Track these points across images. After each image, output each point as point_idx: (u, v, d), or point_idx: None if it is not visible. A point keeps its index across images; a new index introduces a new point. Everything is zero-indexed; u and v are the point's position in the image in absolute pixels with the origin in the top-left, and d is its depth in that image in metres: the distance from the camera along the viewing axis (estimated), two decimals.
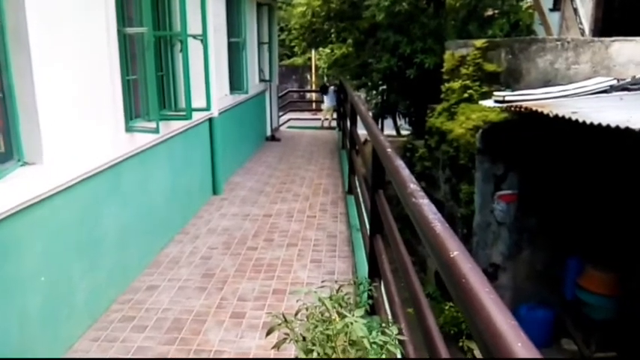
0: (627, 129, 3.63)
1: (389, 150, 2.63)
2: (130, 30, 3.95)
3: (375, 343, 1.43)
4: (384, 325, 1.73)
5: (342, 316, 1.50)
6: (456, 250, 1.22)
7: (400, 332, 1.61)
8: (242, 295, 3.80)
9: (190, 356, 3.04)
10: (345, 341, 1.48)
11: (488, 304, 0.98)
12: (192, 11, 4.70)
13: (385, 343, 1.45)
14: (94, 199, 3.39)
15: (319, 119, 16.29)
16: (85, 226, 3.29)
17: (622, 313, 5.60)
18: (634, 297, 5.50)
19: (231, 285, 3.97)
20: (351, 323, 1.41)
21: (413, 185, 1.89)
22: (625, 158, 5.61)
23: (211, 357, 3.03)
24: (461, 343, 5.92)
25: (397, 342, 1.56)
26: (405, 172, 2.13)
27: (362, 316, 1.51)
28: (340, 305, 1.75)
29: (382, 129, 10.68)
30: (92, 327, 3.33)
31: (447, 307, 6.15)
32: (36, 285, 2.76)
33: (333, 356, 1.55)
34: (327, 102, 15.59)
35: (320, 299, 1.58)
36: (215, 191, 6.37)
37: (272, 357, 2.95)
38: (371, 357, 1.42)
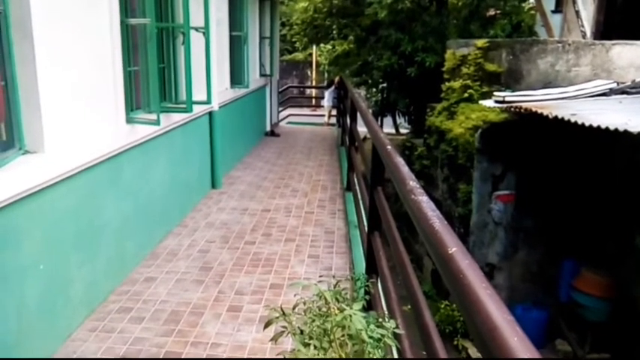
0: (626, 132, 3.65)
1: (389, 147, 2.64)
2: (132, 21, 3.95)
3: (372, 336, 1.45)
4: (380, 319, 1.75)
5: (341, 310, 1.52)
6: (454, 246, 1.24)
7: (397, 327, 1.63)
8: (239, 289, 3.81)
9: (187, 349, 3.05)
10: (342, 335, 1.50)
11: (486, 299, 0.99)
12: (194, 3, 4.71)
13: (382, 336, 1.47)
14: (93, 189, 3.40)
15: (319, 115, 16.28)
16: (84, 216, 3.30)
17: (616, 315, 5.64)
18: (628, 299, 5.54)
19: (229, 279, 3.99)
20: (350, 316, 1.42)
21: (412, 182, 1.90)
22: (621, 162, 5.64)
23: (205, 357, 3.04)
24: (456, 342, 5.96)
25: (394, 336, 1.58)
26: (404, 169, 2.15)
27: (360, 310, 1.53)
28: (337, 300, 1.77)
29: (381, 127, 10.69)
30: (90, 317, 3.34)
31: (442, 306, 6.19)
32: (34, 274, 2.78)
33: (330, 350, 1.57)
34: (326, 101, 15.51)
35: (319, 292, 1.60)
36: (214, 185, 6.38)
37: (270, 357, 2.96)
38: (368, 351, 1.44)
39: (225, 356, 2.98)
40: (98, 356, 2.95)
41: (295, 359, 1.63)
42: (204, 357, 3.00)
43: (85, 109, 3.26)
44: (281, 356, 1.62)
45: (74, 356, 2.94)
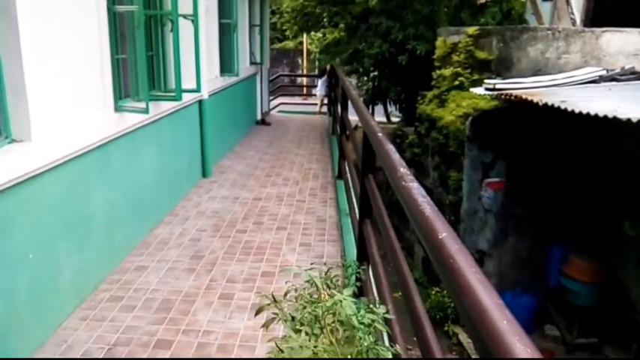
0: (615, 119, 3.67)
1: (380, 134, 2.64)
2: (120, 8, 3.90)
3: (362, 322, 1.46)
4: (371, 305, 1.76)
5: (332, 296, 1.52)
6: (444, 231, 1.24)
7: (387, 312, 1.64)
8: (231, 277, 3.81)
9: (179, 336, 3.05)
10: (333, 321, 1.50)
11: (475, 283, 1.00)
12: None
13: (373, 321, 1.48)
14: (82, 178, 3.37)
15: (310, 104, 16.22)
16: (73, 205, 3.27)
17: (603, 300, 5.72)
18: (615, 285, 5.61)
19: (220, 267, 3.99)
20: (340, 301, 1.43)
21: (403, 169, 1.90)
22: (610, 149, 5.68)
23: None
24: (446, 328, 6.02)
25: (384, 322, 1.59)
26: (395, 156, 2.15)
27: (351, 297, 1.53)
28: (329, 286, 1.77)
29: (373, 115, 10.65)
30: (80, 306, 3.33)
31: (433, 293, 6.23)
32: (24, 263, 2.76)
33: (321, 336, 1.58)
34: (319, 90, 15.46)
35: (310, 278, 1.60)
36: (204, 174, 6.35)
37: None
38: (359, 336, 1.44)
39: (217, 343, 2.99)
40: (89, 344, 2.94)
41: (287, 358, 1.63)
42: (191, 354, 2.94)
43: (72, 97, 3.22)
44: (272, 343, 1.62)
45: (64, 345, 2.93)
